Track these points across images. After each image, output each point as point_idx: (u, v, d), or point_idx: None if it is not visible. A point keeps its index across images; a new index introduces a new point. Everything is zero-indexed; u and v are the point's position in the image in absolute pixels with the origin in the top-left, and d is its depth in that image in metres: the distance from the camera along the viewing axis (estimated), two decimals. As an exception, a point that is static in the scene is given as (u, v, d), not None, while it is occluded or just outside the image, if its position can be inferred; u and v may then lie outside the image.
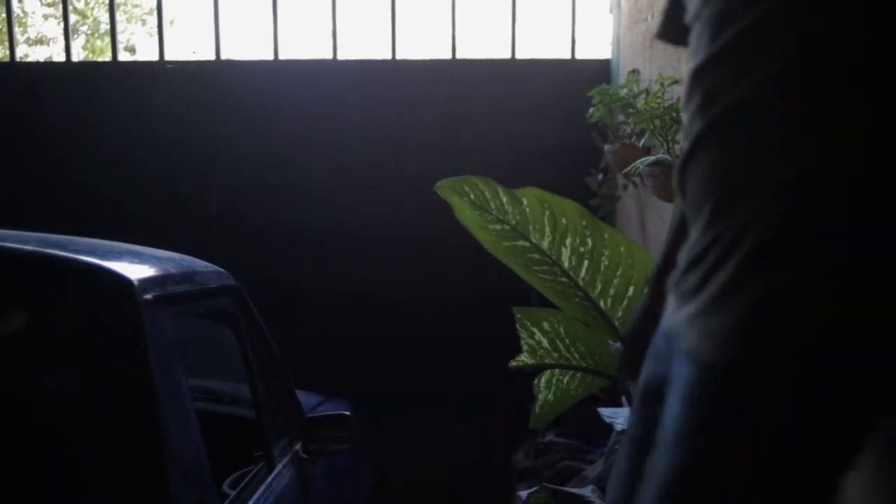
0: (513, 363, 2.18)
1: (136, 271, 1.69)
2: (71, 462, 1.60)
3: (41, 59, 10.85)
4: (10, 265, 1.72)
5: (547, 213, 1.69)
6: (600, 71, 3.97)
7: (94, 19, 11.70)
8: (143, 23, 11.59)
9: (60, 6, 4.48)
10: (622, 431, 2.79)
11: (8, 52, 4.15)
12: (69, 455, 1.60)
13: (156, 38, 4.18)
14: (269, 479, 2.08)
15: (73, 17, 10.90)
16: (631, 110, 2.91)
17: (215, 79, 4.12)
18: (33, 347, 1.81)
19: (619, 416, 2.73)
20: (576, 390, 2.21)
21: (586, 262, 1.75)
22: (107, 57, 7.62)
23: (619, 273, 1.76)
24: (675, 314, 0.94)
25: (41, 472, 1.62)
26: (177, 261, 2.00)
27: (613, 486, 1.17)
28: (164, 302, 1.69)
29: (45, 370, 1.91)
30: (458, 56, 4.08)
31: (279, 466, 2.17)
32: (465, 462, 4.03)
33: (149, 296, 1.64)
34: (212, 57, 4.13)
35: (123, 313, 1.60)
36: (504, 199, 1.68)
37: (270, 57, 4.11)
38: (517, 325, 2.10)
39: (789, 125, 0.84)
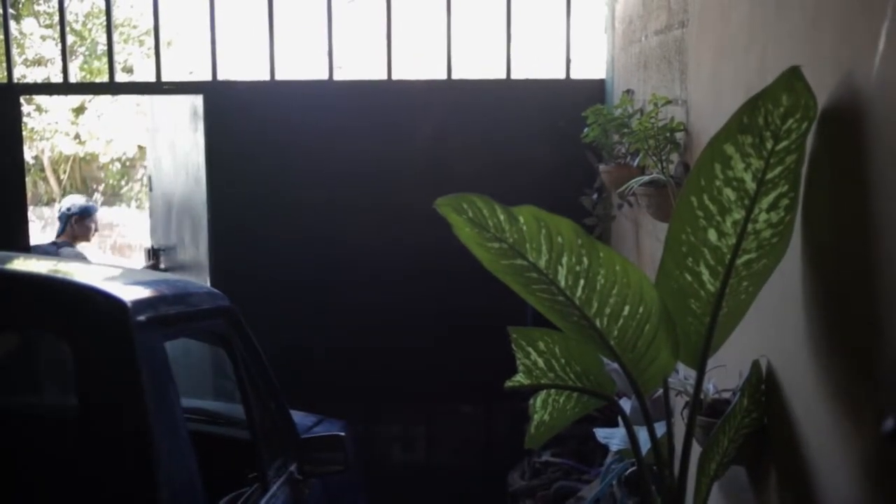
0: (508, 384, 2.17)
1: (129, 293, 1.69)
2: (63, 483, 1.59)
3: (39, 79, 10.89)
4: (4, 287, 1.72)
5: (543, 231, 1.68)
6: (595, 91, 3.99)
7: (92, 40, 11.77)
8: (141, 43, 11.67)
9: (58, 28, 4.51)
10: (617, 452, 2.77)
11: (6, 73, 4.16)
12: (62, 476, 1.59)
13: (153, 58, 4.19)
14: (264, 500, 2.07)
15: (70, 39, 10.95)
16: (625, 130, 2.91)
17: (211, 99, 4.13)
18: (26, 369, 1.80)
19: (614, 437, 2.71)
20: (572, 410, 2.18)
21: (582, 281, 1.73)
22: (104, 77, 7.63)
23: (614, 292, 1.75)
24: None
25: (34, 492, 1.61)
26: (171, 282, 2.00)
27: None
28: (157, 323, 1.68)
29: (38, 391, 1.90)
30: (454, 76, 4.11)
31: (273, 488, 2.16)
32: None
33: (142, 317, 1.63)
34: (208, 77, 4.15)
35: (116, 335, 1.60)
36: (501, 217, 1.67)
37: (267, 77, 4.13)
38: (513, 346, 2.09)
39: None
